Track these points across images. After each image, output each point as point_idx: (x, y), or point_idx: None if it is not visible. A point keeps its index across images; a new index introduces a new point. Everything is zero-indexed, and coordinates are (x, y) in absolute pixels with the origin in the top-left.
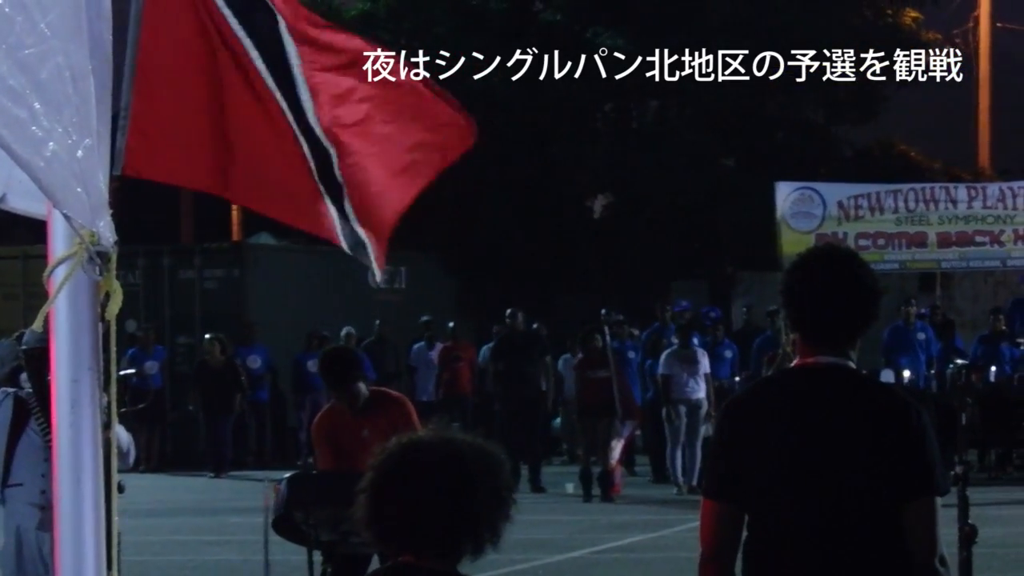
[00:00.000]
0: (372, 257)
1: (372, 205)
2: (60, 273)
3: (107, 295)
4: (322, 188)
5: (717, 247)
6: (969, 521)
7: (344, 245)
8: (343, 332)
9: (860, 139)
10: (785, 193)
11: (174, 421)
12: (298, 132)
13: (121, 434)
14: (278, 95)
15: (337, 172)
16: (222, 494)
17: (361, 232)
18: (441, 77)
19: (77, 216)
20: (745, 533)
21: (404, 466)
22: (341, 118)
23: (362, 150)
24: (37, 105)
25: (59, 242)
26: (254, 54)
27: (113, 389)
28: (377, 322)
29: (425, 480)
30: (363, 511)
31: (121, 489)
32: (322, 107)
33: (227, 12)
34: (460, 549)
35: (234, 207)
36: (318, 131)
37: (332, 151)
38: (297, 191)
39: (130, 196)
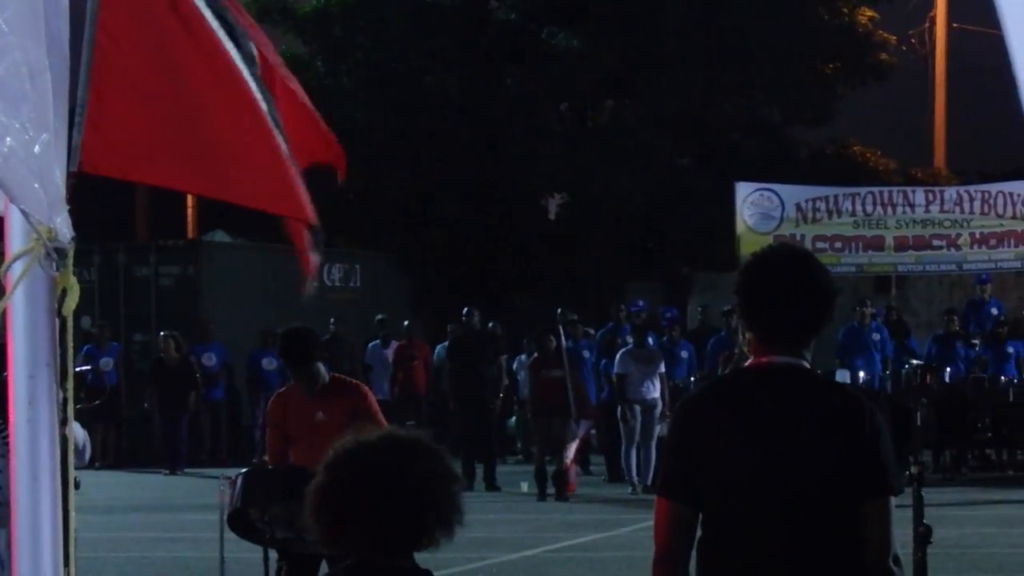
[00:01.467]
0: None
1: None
2: (17, 269)
3: (64, 291)
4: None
5: (672, 247)
6: (924, 521)
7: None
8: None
9: (815, 140)
10: (744, 194)
11: (130, 418)
12: (270, 118)
13: (76, 430)
14: (252, 84)
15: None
16: (177, 491)
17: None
18: (396, 75)
19: (34, 212)
20: (699, 532)
21: (351, 467)
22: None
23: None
24: None
25: (16, 238)
26: (224, 39)
27: (70, 385)
28: (332, 320)
29: (371, 481)
30: (311, 512)
31: (77, 485)
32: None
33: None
34: (412, 546)
35: (189, 205)
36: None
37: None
38: (277, 177)
39: (86, 193)
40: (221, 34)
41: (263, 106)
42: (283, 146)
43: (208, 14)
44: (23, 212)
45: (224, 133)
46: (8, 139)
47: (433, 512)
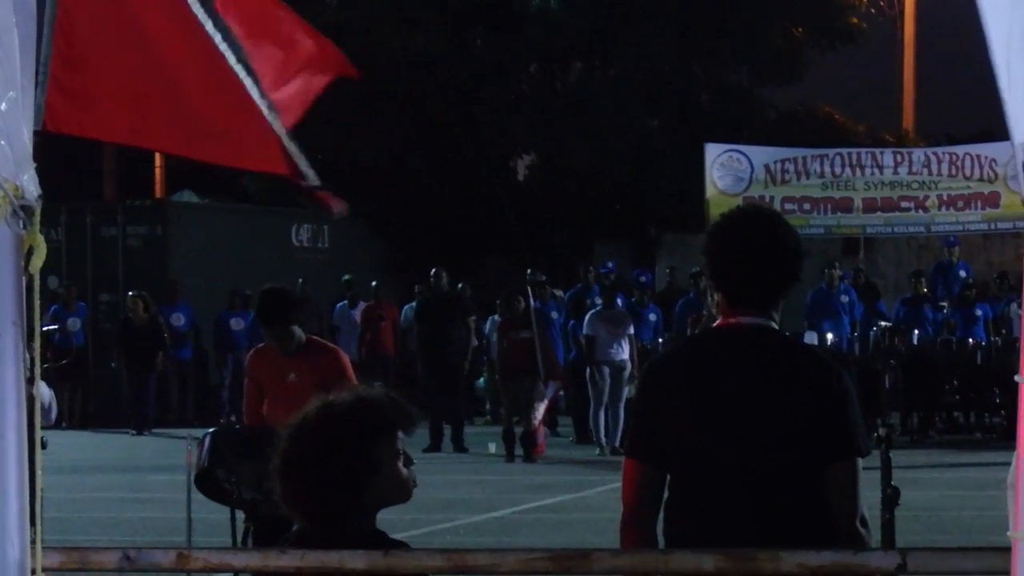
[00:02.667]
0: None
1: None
2: None
3: (31, 249)
4: (276, 125)
5: (641, 209)
6: (892, 483)
7: (311, 179)
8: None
9: (784, 102)
10: (713, 155)
11: (96, 379)
12: (239, 69)
13: (43, 390)
14: (218, 38)
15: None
16: (144, 451)
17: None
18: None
19: (0, 169)
20: (667, 493)
21: (316, 433)
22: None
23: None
24: None
25: None
26: None
27: (37, 345)
28: (300, 281)
29: (332, 449)
30: (276, 478)
31: (44, 445)
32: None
33: None
34: (364, 510)
35: (157, 165)
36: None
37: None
38: (246, 132)
39: (53, 153)
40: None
41: (231, 60)
42: (258, 101)
43: None
44: None
45: (189, 90)
46: None
47: (388, 481)
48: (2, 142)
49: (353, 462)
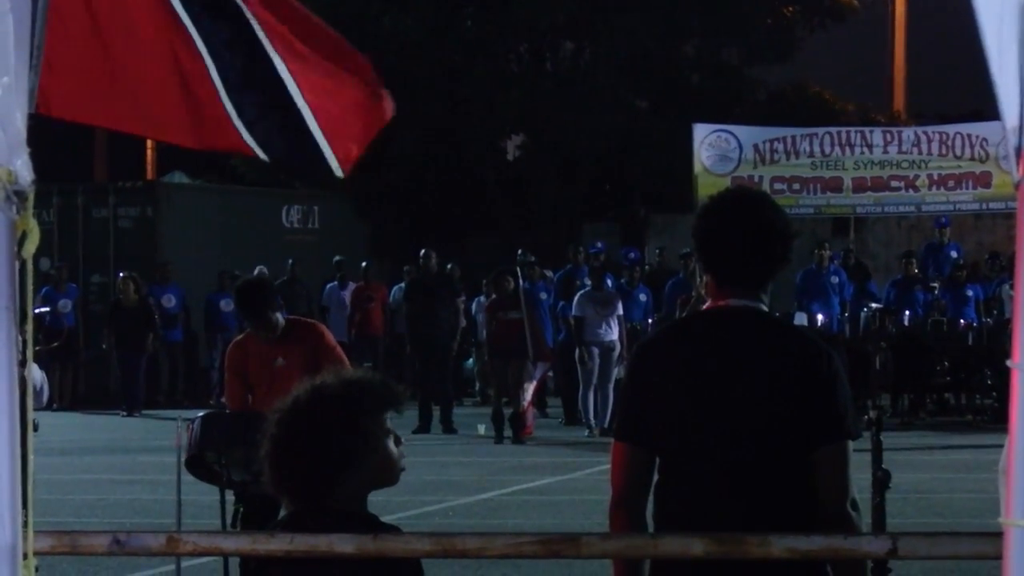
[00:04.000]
0: (328, 154)
1: (336, 106)
2: None
3: (24, 234)
4: (228, 103)
5: (630, 189)
6: (882, 466)
7: (261, 154)
8: (255, 271)
9: (774, 81)
10: (702, 135)
11: (87, 360)
12: (202, 47)
13: (35, 373)
14: (184, 16)
15: (287, 78)
16: (134, 433)
17: (318, 132)
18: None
19: None
20: (656, 476)
21: (304, 416)
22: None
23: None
24: None
25: None
26: None
27: (30, 328)
28: (290, 262)
29: (321, 431)
30: (264, 458)
31: (35, 428)
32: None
33: None
34: (361, 488)
35: (148, 146)
36: (260, 34)
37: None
38: (199, 109)
39: (44, 134)
40: None
41: (203, 51)
42: (216, 78)
43: None
44: None
45: (162, 76)
46: None
47: (377, 462)
48: None
49: (343, 442)
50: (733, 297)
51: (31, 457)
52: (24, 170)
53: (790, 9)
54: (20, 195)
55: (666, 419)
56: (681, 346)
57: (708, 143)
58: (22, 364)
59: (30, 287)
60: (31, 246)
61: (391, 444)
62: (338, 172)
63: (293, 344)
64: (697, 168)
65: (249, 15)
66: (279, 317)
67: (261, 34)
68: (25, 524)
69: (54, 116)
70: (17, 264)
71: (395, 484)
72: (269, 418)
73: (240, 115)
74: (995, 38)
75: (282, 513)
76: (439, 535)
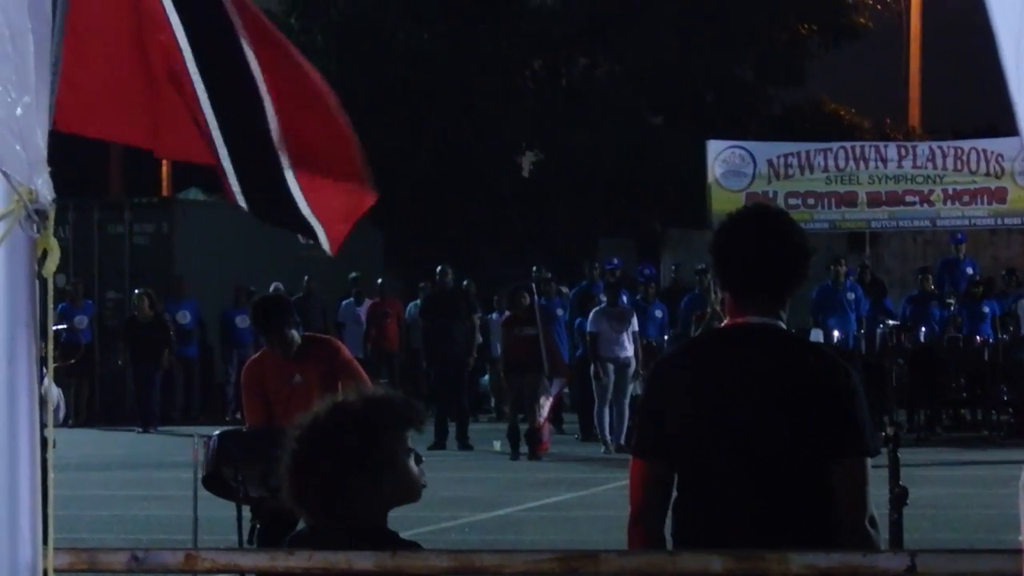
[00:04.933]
0: (318, 229)
1: (326, 183)
2: None
3: (44, 252)
4: (221, 151)
5: (645, 205)
6: (900, 483)
7: (241, 202)
8: (271, 288)
9: (790, 98)
10: (716, 151)
11: (102, 376)
12: (201, 90)
13: (52, 390)
14: (187, 54)
15: (276, 140)
16: (149, 449)
17: (305, 207)
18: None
19: (15, 173)
20: (675, 493)
21: (325, 432)
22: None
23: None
24: None
25: None
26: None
27: (50, 345)
28: (306, 278)
29: (342, 448)
30: (285, 474)
31: (53, 444)
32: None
33: None
34: (376, 510)
35: (164, 162)
36: (262, 92)
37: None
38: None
39: (60, 150)
40: (172, 15)
41: (195, 78)
42: (214, 129)
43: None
44: (4, 174)
45: (169, 102)
46: None
47: (398, 479)
48: (17, 146)
49: (364, 459)
50: (751, 314)
51: (51, 475)
52: (45, 189)
53: (805, 26)
54: (41, 214)
55: (685, 436)
56: (700, 363)
57: (722, 159)
58: (40, 381)
59: (51, 305)
60: (51, 265)
61: (411, 462)
62: (327, 249)
63: (310, 361)
64: (711, 184)
65: (256, 70)
66: (296, 334)
67: (264, 91)
68: (45, 542)
69: (72, 132)
70: (37, 283)
71: (416, 501)
72: (289, 434)
73: (233, 164)
74: (1013, 55)
75: (300, 526)
76: (458, 552)
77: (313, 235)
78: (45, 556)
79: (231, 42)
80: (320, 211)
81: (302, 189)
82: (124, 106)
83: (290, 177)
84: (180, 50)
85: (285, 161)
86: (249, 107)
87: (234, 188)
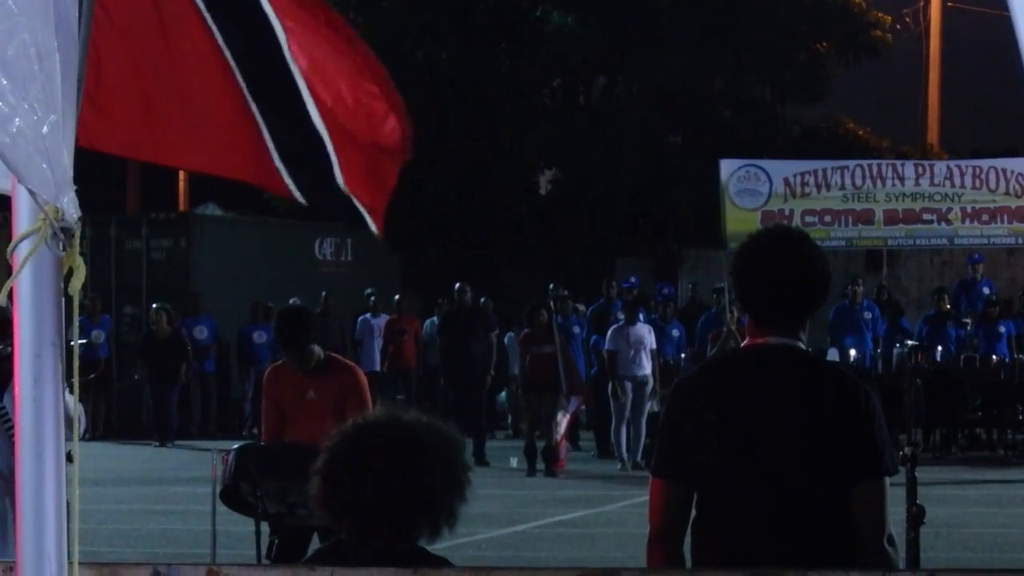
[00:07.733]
0: (364, 213)
1: (362, 163)
2: (24, 248)
3: (70, 270)
4: (272, 147)
5: (663, 224)
6: (917, 502)
7: (299, 197)
8: (290, 302)
9: (808, 117)
10: (730, 170)
11: (119, 390)
12: (246, 90)
13: (73, 405)
14: (227, 52)
15: (319, 125)
16: (167, 463)
17: (345, 188)
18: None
19: (42, 192)
20: (694, 512)
21: (358, 448)
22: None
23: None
24: (3, 81)
25: (23, 217)
26: (209, 21)
27: (75, 362)
28: (323, 294)
29: (378, 462)
30: (318, 492)
31: (70, 459)
32: (299, 58)
33: None
34: (416, 531)
35: (181, 178)
36: (301, 84)
37: (313, 108)
38: (245, 149)
39: (77, 166)
40: (207, 17)
41: (241, 85)
42: (261, 123)
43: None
44: (31, 192)
45: (207, 110)
46: (17, 120)
47: (438, 499)
48: (44, 165)
49: (438, 487)
50: (772, 335)
51: (75, 491)
52: (71, 207)
53: (823, 46)
54: (67, 232)
55: (704, 455)
56: (719, 383)
57: (737, 178)
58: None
59: (76, 322)
60: (77, 283)
61: None
62: (375, 230)
63: (326, 379)
64: (726, 204)
65: (290, 60)
66: (316, 349)
67: (301, 83)
68: (70, 559)
69: (95, 149)
70: (64, 301)
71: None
72: (323, 450)
73: (282, 158)
74: None
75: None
76: (478, 568)
77: (362, 219)
78: (70, 572)
79: (266, 31)
80: (361, 193)
81: (343, 176)
82: (149, 122)
83: (335, 163)
84: (224, 56)
85: (330, 150)
86: (289, 100)
87: (289, 185)
